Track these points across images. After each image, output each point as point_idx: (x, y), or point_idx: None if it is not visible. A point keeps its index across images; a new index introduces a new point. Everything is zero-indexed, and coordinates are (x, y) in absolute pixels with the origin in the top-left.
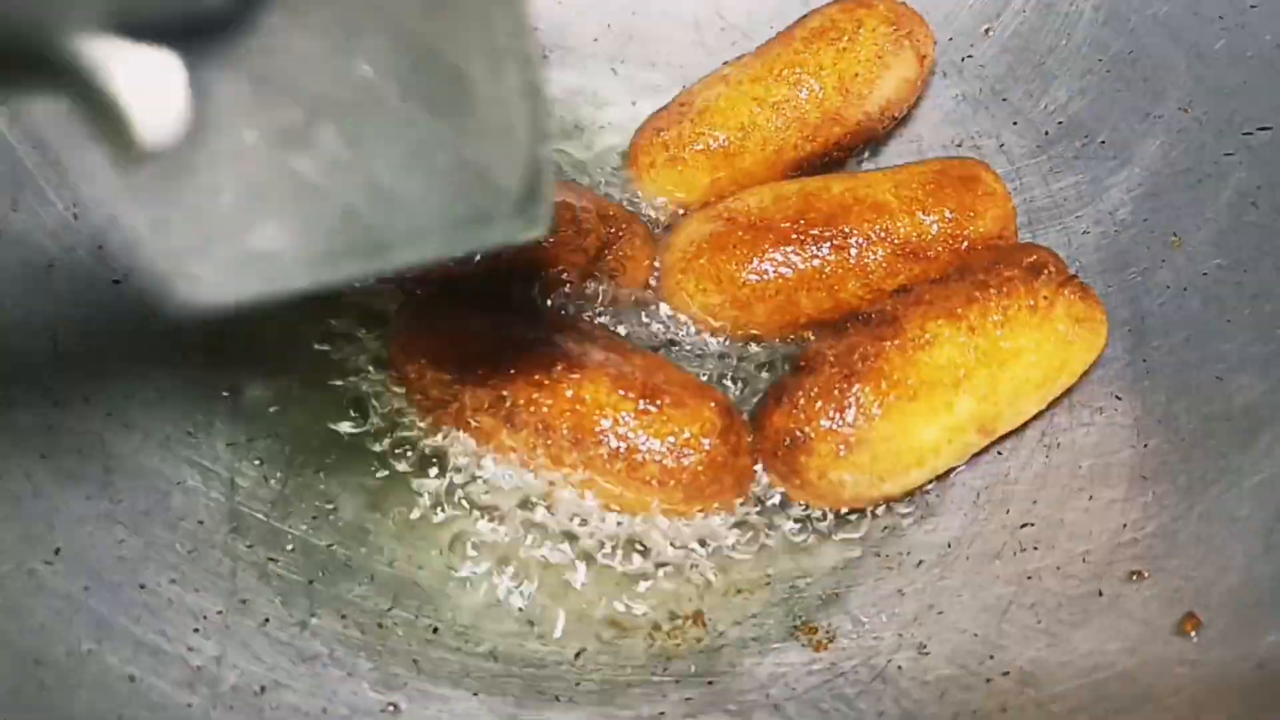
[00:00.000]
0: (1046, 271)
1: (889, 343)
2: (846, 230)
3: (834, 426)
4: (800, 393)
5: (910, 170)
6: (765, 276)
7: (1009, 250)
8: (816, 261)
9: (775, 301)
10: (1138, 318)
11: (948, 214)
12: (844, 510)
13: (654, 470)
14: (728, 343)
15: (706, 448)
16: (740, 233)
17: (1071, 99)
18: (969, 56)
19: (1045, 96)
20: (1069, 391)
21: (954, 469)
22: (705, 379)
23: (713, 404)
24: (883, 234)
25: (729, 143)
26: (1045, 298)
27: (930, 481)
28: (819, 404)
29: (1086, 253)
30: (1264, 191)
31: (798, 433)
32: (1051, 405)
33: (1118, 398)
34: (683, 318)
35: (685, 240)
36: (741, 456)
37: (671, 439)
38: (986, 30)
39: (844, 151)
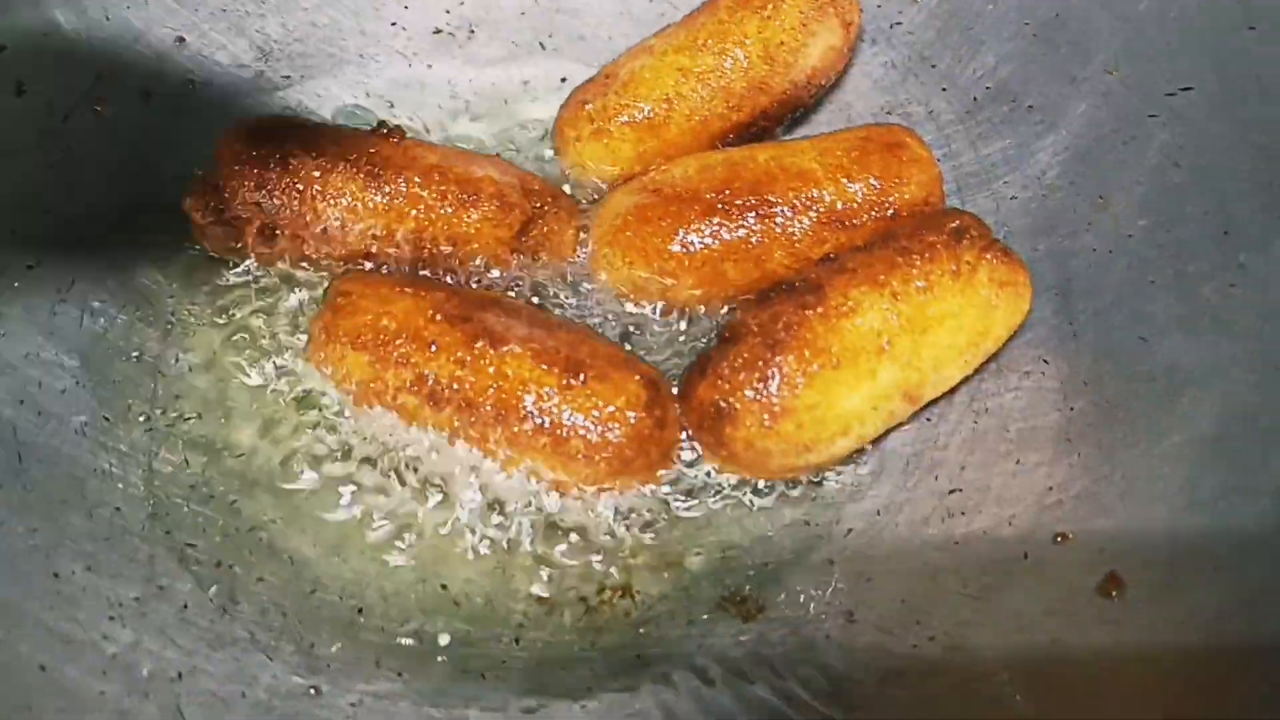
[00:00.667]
0: (969, 236)
1: (812, 311)
2: (771, 199)
3: (758, 397)
4: (725, 363)
5: (835, 138)
6: (691, 248)
7: (932, 216)
8: (742, 232)
9: (702, 273)
10: (1065, 280)
11: (873, 181)
12: (772, 480)
13: (579, 445)
14: (656, 314)
15: (632, 421)
16: (665, 204)
17: (999, 64)
18: (897, 24)
19: (973, 62)
20: (996, 355)
21: (882, 436)
22: (632, 351)
23: (638, 377)
24: (808, 202)
25: (654, 114)
26: (968, 263)
27: (858, 449)
28: (743, 374)
29: (1015, 217)
30: (1186, 152)
31: (723, 403)
32: (979, 370)
33: (1045, 361)
34: (610, 291)
35: (610, 213)
36: (668, 429)
37: (596, 413)
38: None
39: (771, 121)
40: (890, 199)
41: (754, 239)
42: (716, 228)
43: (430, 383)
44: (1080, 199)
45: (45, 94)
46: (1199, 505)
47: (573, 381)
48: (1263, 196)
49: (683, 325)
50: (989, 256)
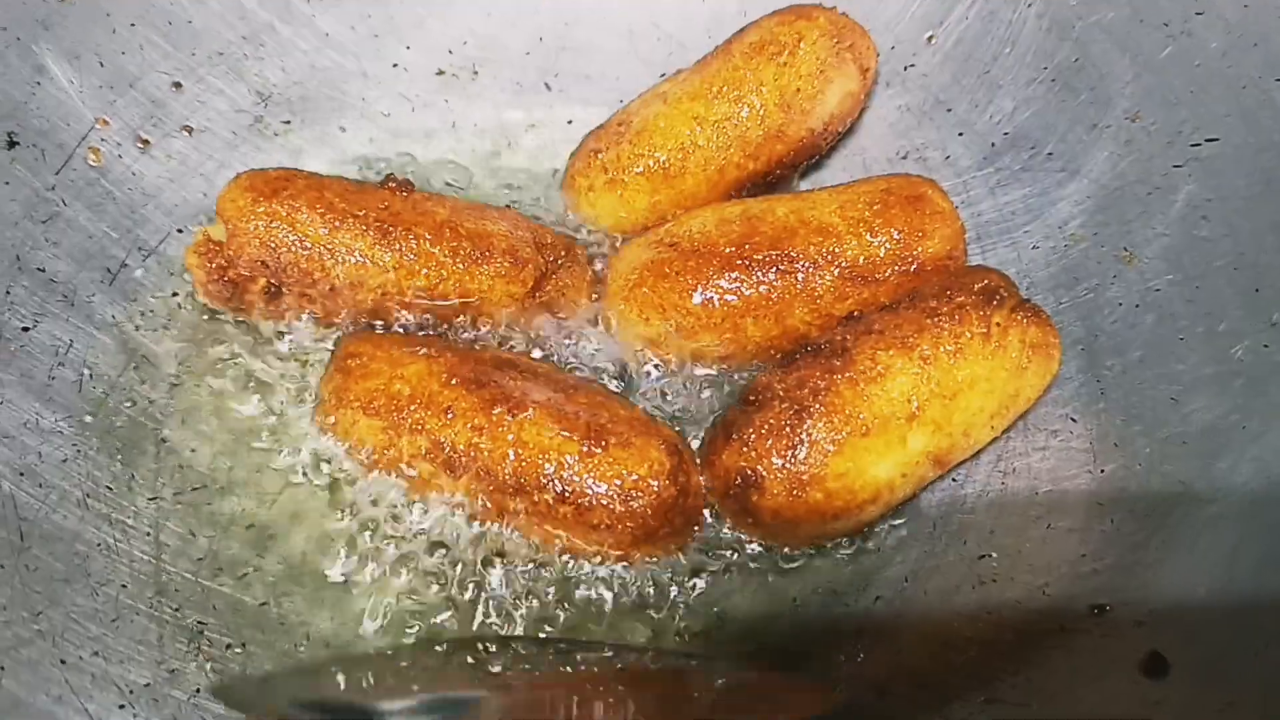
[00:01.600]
0: (999, 296)
1: (840, 375)
2: (792, 254)
3: (787, 465)
4: (750, 429)
5: (855, 190)
6: (710, 304)
7: (960, 274)
8: (763, 288)
9: (722, 329)
10: (1091, 336)
11: (895, 235)
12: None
13: (601, 514)
14: (674, 371)
15: (655, 490)
16: (683, 259)
17: (1017, 108)
18: (911, 65)
19: (991, 106)
20: (1024, 415)
21: (908, 500)
22: (652, 411)
23: (660, 443)
24: (829, 257)
25: (669, 163)
26: (998, 324)
27: (884, 516)
28: (770, 441)
29: (1037, 269)
30: (1214, 204)
31: (749, 471)
32: (1005, 429)
33: (1073, 419)
34: (627, 348)
35: (627, 268)
36: (692, 497)
37: (619, 482)
38: (929, 38)
39: (788, 169)
40: (913, 253)
41: (774, 294)
42: (736, 283)
43: (447, 450)
44: (1104, 250)
45: (38, 145)
46: (1242, 577)
47: (594, 449)
48: None
49: (704, 385)
50: (1019, 317)
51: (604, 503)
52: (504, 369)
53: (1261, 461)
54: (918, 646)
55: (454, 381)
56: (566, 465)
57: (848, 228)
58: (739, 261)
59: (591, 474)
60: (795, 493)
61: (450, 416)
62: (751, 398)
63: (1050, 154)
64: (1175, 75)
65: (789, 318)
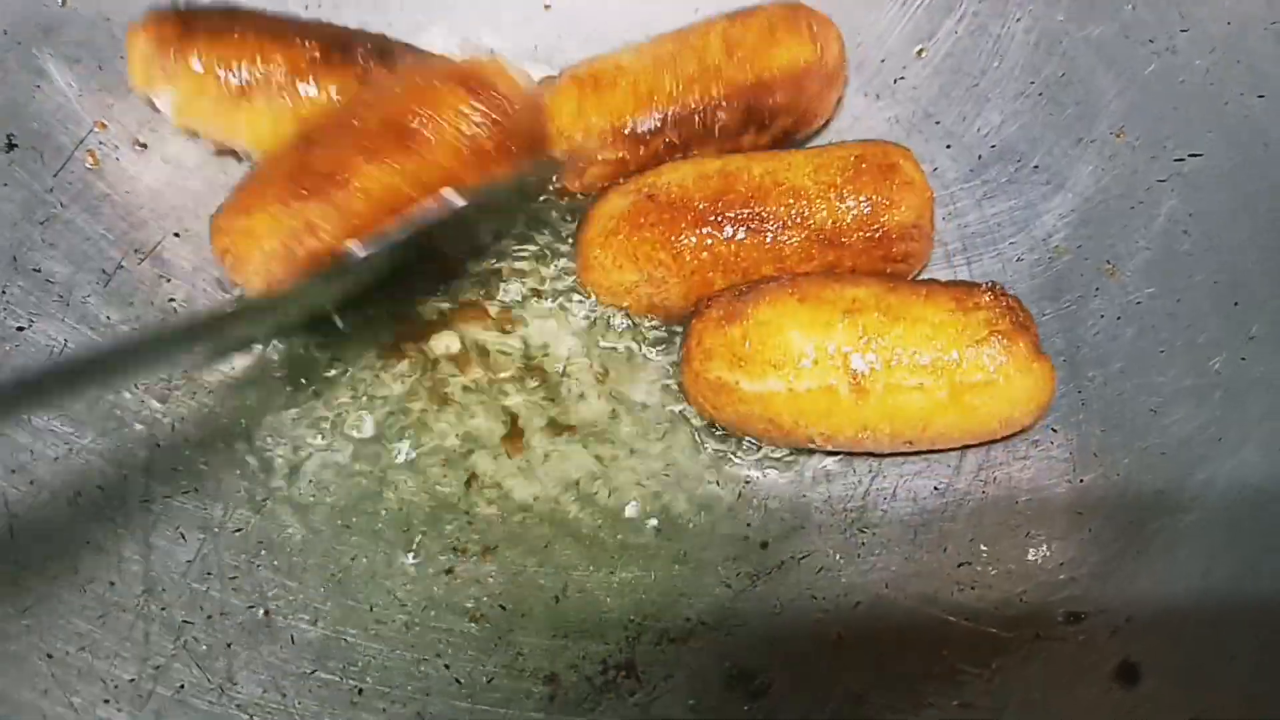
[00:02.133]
0: (1000, 296)
1: (822, 273)
2: (763, 214)
3: (727, 300)
4: (733, 287)
5: (832, 153)
6: (681, 256)
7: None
8: (733, 245)
9: (690, 282)
10: (1073, 347)
11: (865, 202)
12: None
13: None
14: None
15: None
16: (659, 211)
17: (1004, 122)
18: (901, 78)
19: (978, 119)
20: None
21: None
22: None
23: None
24: (799, 219)
25: (599, 75)
26: (976, 304)
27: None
28: (732, 289)
29: (1021, 280)
30: (1195, 220)
31: (702, 302)
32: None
33: (1054, 429)
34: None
35: (604, 215)
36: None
37: None
38: (919, 51)
39: (732, 124)
40: (880, 220)
41: (743, 251)
42: (708, 238)
43: None
44: (1088, 263)
45: (36, 147)
46: (1217, 587)
47: None
48: (1273, 268)
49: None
50: (1002, 313)
51: None
52: None
53: (1238, 473)
54: (896, 653)
55: None
56: None
57: (819, 191)
58: (712, 217)
59: None
60: (722, 322)
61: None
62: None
63: (1036, 167)
64: (1160, 91)
65: (754, 274)
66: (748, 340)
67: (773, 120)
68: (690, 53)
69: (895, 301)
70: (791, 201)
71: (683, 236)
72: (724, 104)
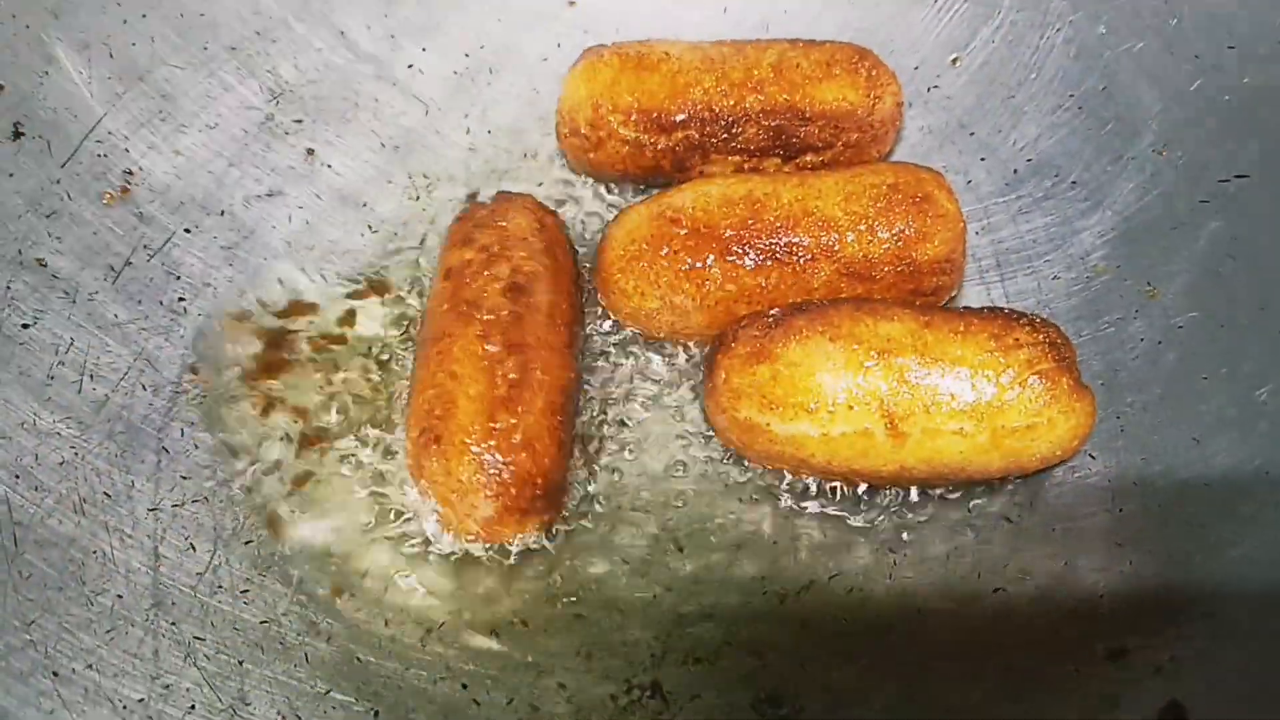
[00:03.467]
0: (1058, 351)
1: (852, 304)
2: (792, 244)
3: (755, 335)
4: (758, 315)
5: (863, 179)
6: (706, 287)
7: (1036, 318)
8: (760, 275)
9: (714, 312)
10: (1111, 371)
11: (897, 235)
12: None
13: None
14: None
15: None
16: (683, 238)
17: (1041, 135)
18: (935, 87)
19: (1014, 132)
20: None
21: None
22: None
23: None
24: (829, 251)
25: (644, 57)
26: (1026, 361)
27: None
28: (758, 320)
29: (1058, 299)
30: (1240, 243)
31: (728, 335)
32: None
33: (1091, 456)
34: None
35: (626, 238)
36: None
37: None
38: (954, 60)
39: (764, 142)
40: (912, 253)
41: (770, 283)
42: (734, 268)
43: None
44: (1127, 285)
45: (44, 136)
46: (1266, 628)
47: None
48: None
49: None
50: (1043, 353)
51: None
52: None
53: None
54: (929, 683)
55: None
56: None
57: (850, 223)
58: (738, 247)
59: None
60: (747, 360)
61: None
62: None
63: (1074, 183)
64: (1204, 109)
65: (780, 304)
66: (778, 382)
67: (800, 152)
68: (740, 61)
69: (931, 340)
70: (821, 232)
71: (708, 265)
72: (754, 119)
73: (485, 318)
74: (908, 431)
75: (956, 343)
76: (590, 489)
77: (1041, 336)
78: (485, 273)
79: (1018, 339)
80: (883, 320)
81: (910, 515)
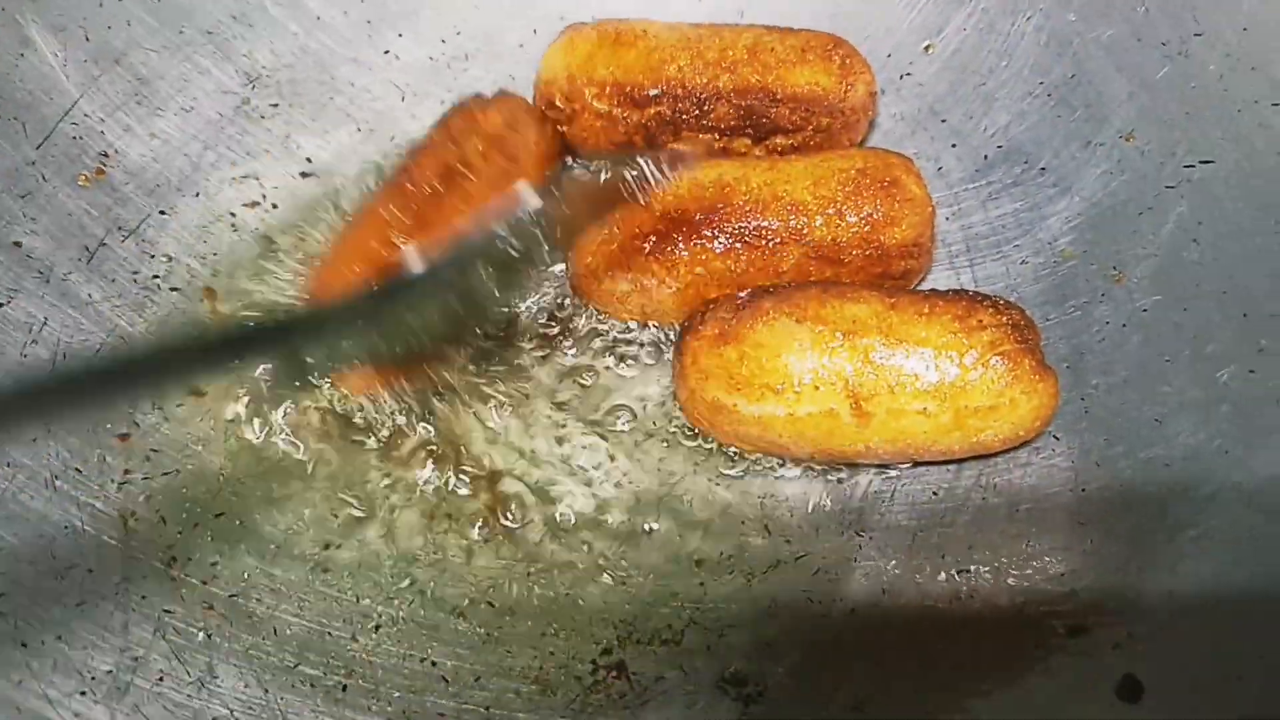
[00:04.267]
0: (1003, 311)
1: (817, 286)
2: (761, 228)
3: (722, 317)
4: (724, 296)
5: (831, 164)
6: (676, 268)
7: (1001, 301)
8: (729, 258)
9: (684, 295)
10: (1076, 354)
11: (865, 219)
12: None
13: None
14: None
15: None
16: (654, 221)
17: (1012, 122)
18: (908, 74)
19: (985, 119)
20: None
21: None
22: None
23: None
24: (797, 235)
25: (620, 35)
26: (990, 342)
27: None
28: (726, 302)
29: (1025, 284)
30: (1204, 228)
31: (696, 317)
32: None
33: (1055, 437)
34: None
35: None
36: None
37: None
38: (927, 47)
39: (735, 123)
40: (881, 237)
41: (739, 265)
42: (704, 251)
43: None
44: (1093, 269)
45: (19, 118)
46: (1221, 604)
47: None
48: None
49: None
50: (1006, 334)
51: None
52: None
53: (1244, 488)
54: (894, 661)
55: None
56: None
57: (819, 207)
58: (708, 231)
59: None
60: (717, 341)
61: None
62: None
63: (1043, 169)
64: (1171, 96)
65: (749, 285)
66: (745, 363)
67: (769, 133)
68: (716, 42)
69: (896, 321)
70: (790, 216)
71: (678, 249)
72: (726, 98)
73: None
74: (872, 411)
75: (920, 324)
76: (562, 468)
77: (1004, 319)
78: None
79: (981, 320)
80: (849, 302)
81: (876, 497)
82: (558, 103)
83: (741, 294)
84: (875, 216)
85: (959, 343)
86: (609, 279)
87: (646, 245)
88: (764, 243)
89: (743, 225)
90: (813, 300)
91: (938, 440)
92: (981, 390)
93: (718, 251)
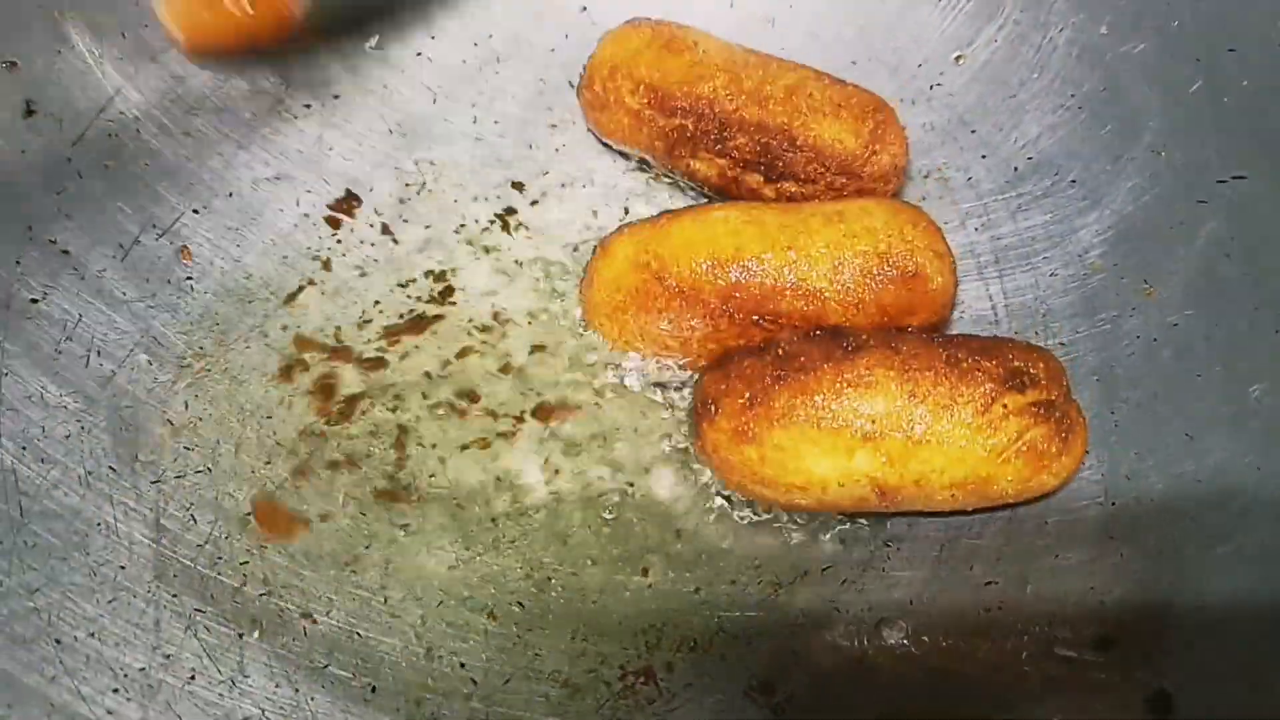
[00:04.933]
0: (1021, 382)
1: (829, 363)
2: (778, 313)
3: (740, 412)
4: (734, 367)
5: (851, 246)
6: (689, 342)
7: (1008, 344)
8: (743, 340)
9: (696, 360)
10: (1107, 367)
11: (882, 311)
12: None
13: None
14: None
15: None
16: (668, 297)
17: (1042, 134)
18: (938, 84)
19: (1015, 130)
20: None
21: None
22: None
23: None
24: (812, 321)
25: (674, 39)
26: (1004, 407)
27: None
28: (741, 384)
29: (1055, 296)
30: (1237, 243)
31: (710, 402)
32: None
33: (1085, 451)
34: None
35: (610, 286)
36: None
37: None
38: (958, 58)
39: (739, 152)
40: (899, 320)
41: (753, 338)
42: (718, 332)
43: None
44: (1124, 283)
45: (56, 115)
46: (1252, 619)
47: None
48: None
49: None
50: (1035, 413)
51: None
52: None
53: (1276, 503)
54: (921, 672)
55: None
56: None
57: (836, 296)
58: (722, 314)
59: None
60: (736, 439)
61: None
62: (760, 344)
63: (1074, 181)
64: (1203, 111)
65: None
66: (766, 464)
67: (780, 178)
68: (760, 73)
69: (918, 413)
70: (805, 304)
71: (692, 327)
72: (747, 129)
73: None
74: (901, 498)
75: (944, 418)
76: (589, 477)
77: (1030, 399)
78: None
79: (1005, 406)
80: (864, 398)
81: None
82: (597, 87)
83: (749, 359)
84: (895, 308)
85: (982, 436)
86: (622, 341)
87: (660, 319)
88: (780, 327)
89: (758, 316)
90: (828, 391)
91: (966, 507)
92: (1010, 477)
93: (733, 334)
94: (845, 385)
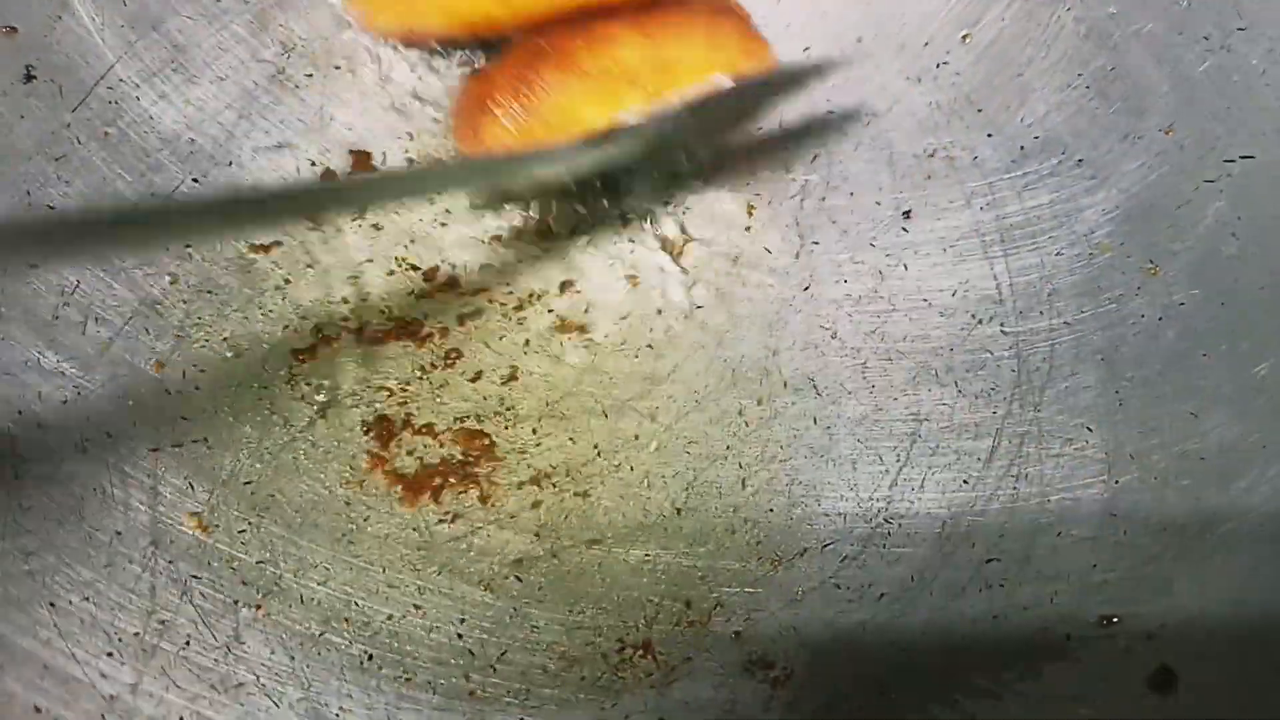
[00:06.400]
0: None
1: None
2: None
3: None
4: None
5: None
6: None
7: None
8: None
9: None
10: (1112, 346)
11: None
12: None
13: None
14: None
15: None
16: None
17: (1049, 113)
18: (944, 63)
19: (1022, 109)
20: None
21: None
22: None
23: None
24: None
25: None
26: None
27: None
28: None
29: (1061, 275)
30: (1244, 223)
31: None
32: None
33: (1089, 428)
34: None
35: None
36: None
37: None
38: (964, 36)
39: None
40: None
41: None
42: None
43: None
44: (1130, 261)
45: (55, 80)
46: (1255, 598)
47: None
48: None
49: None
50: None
51: None
52: None
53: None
54: (922, 648)
55: None
56: None
57: None
58: None
59: None
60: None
61: None
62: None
63: (1080, 161)
64: (1212, 90)
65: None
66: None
67: None
68: None
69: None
70: None
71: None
72: None
73: None
74: None
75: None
76: (589, 449)
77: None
78: None
79: None
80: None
81: (904, 484)
82: None
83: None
84: None
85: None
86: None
87: None
88: None
89: None
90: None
91: None
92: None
93: None
94: (600, 44)
